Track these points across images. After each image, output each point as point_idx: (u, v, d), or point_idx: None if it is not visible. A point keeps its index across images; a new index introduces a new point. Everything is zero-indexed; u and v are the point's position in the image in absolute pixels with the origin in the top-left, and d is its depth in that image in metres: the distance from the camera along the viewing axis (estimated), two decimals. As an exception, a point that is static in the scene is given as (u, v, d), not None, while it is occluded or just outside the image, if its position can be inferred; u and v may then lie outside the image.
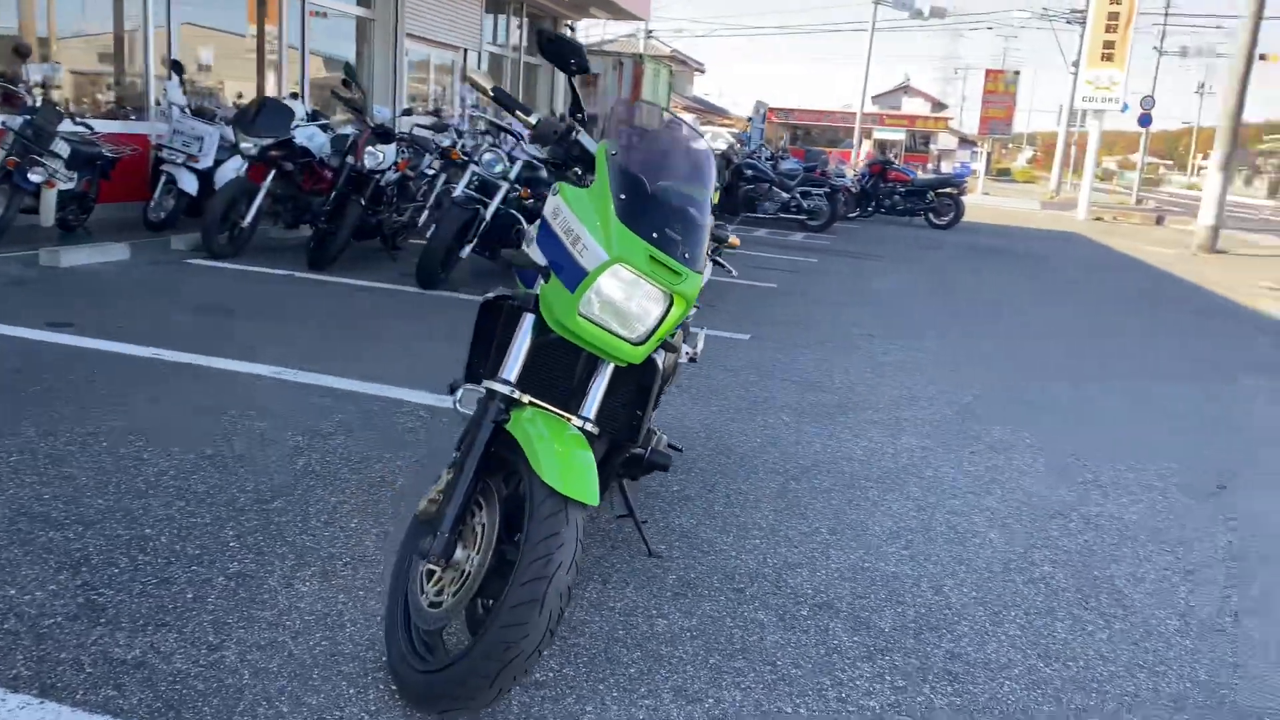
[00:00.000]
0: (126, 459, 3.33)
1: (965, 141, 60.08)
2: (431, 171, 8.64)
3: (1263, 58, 37.04)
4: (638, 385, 2.43)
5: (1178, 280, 12.40)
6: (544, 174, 7.45)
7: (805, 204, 13.99)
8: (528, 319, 2.25)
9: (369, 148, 7.16)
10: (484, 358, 2.51)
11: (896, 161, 18.84)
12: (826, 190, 14.03)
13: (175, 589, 2.51)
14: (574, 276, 2.11)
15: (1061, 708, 2.41)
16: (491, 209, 6.96)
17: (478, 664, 1.94)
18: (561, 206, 2.21)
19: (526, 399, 2.20)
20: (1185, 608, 3.03)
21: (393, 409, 4.12)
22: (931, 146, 48.42)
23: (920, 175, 18.87)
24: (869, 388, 5.37)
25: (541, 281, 2.23)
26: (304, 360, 4.73)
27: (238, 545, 2.79)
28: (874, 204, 17.04)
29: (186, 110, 8.13)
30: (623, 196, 2.13)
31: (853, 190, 16.15)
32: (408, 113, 12.20)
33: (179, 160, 7.90)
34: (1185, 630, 2.88)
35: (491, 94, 2.36)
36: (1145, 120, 31.46)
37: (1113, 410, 5.42)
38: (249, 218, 7.31)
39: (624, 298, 2.13)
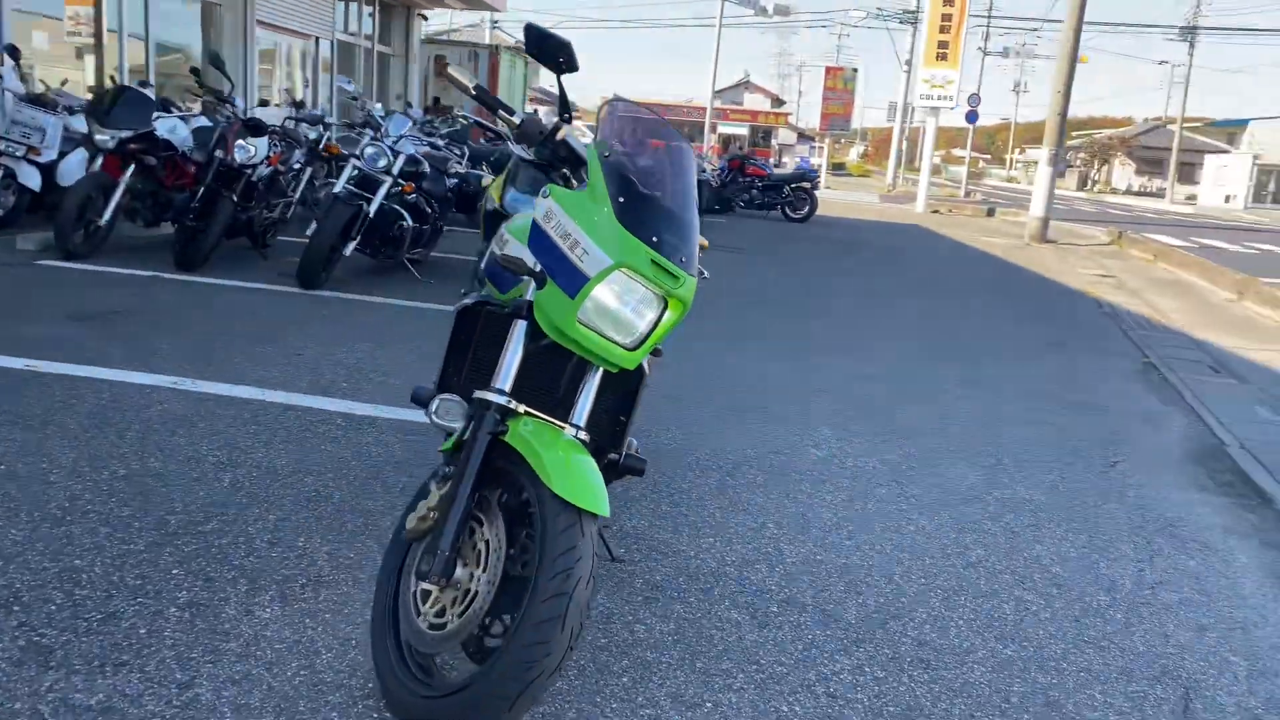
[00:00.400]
0: (32, 482, 3.06)
1: (804, 136, 62.09)
2: (298, 166, 8.29)
3: (1083, 60, 39.69)
4: (624, 390, 2.39)
5: (1021, 270, 13.13)
6: (426, 168, 7.26)
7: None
8: (519, 326, 2.18)
9: (240, 141, 6.80)
10: (459, 367, 2.42)
11: (755, 157, 19.25)
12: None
13: (125, 624, 2.32)
14: (574, 282, 2.06)
15: (1030, 687, 2.52)
16: (375, 205, 6.73)
17: (497, 686, 1.87)
18: (555, 210, 2.15)
19: (522, 409, 2.13)
20: (1109, 583, 3.22)
21: (306, 418, 3.93)
22: (773, 141, 49.82)
23: (775, 170, 19.35)
24: (779, 381, 5.47)
25: (534, 287, 2.17)
26: (200, 369, 4.45)
27: (181, 572, 2.60)
28: (733, 199, 17.37)
29: (23, 99, 7.52)
30: (621, 200, 2.09)
31: (714, 185, 16.42)
32: (264, 104, 11.67)
33: (18, 153, 7.30)
34: (1114, 604, 3.06)
35: (474, 92, 2.27)
36: (972, 117, 33.21)
37: (1009, 392, 5.70)
38: (106, 215, 6.81)
39: (623, 303, 2.09)
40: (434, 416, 2.33)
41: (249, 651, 2.27)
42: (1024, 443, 4.74)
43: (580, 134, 2.41)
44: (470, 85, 2.26)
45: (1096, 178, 61.85)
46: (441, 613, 2.07)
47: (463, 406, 2.34)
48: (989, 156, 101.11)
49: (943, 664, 2.59)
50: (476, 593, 2.01)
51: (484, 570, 2.03)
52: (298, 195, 8.38)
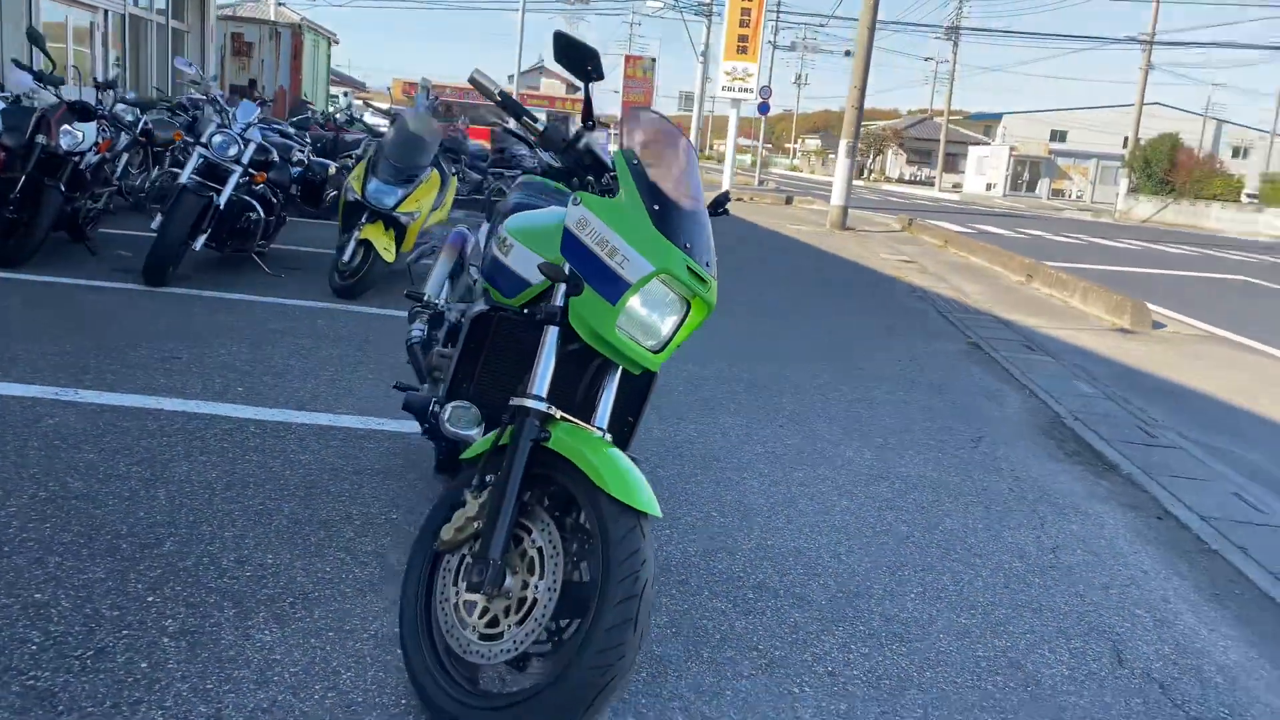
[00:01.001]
0: (-58, 512, 2.77)
1: (600, 124, 62.66)
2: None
3: (847, 54, 41.45)
4: (633, 390, 2.44)
5: (835, 258, 13.84)
6: (276, 157, 6.92)
7: (497, 185, 13.98)
8: (552, 332, 2.19)
9: (66, 126, 6.25)
10: (470, 374, 2.39)
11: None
12: (519, 172, 14.09)
13: (121, 659, 2.17)
14: (615, 288, 2.09)
15: (991, 650, 2.77)
16: (225, 196, 6.35)
17: (572, 692, 1.89)
18: (590, 217, 2.17)
19: (559, 414, 2.15)
20: (1018, 550, 3.54)
21: (216, 427, 3.72)
22: (571, 127, 49.96)
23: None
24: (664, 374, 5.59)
25: (562, 291, 2.17)
26: (77, 377, 4.11)
27: (157, 599, 2.44)
28: (552, 185, 17.34)
29: None
30: (657, 208, 2.13)
31: (538, 174, 16.35)
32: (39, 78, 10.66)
33: None
34: (1030, 569, 3.38)
35: (499, 98, 2.24)
36: (764, 108, 34.52)
37: (868, 375, 6.06)
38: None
39: (651, 308, 2.14)
40: (448, 425, 2.31)
41: (266, 678, 2.18)
42: (898, 423, 5.08)
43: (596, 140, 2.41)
44: (496, 92, 2.23)
45: (872, 167, 65.70)
46: (494, 622, 2.06)
47: (476, 414, 2.33)
48: (770, 145, 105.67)
49: (913, 636, 2.79)
50: (535, 600, 2.02)
51: (540, 577, 2.03)
52: (119, 185, 7.79)
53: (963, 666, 2.66)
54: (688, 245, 2.14)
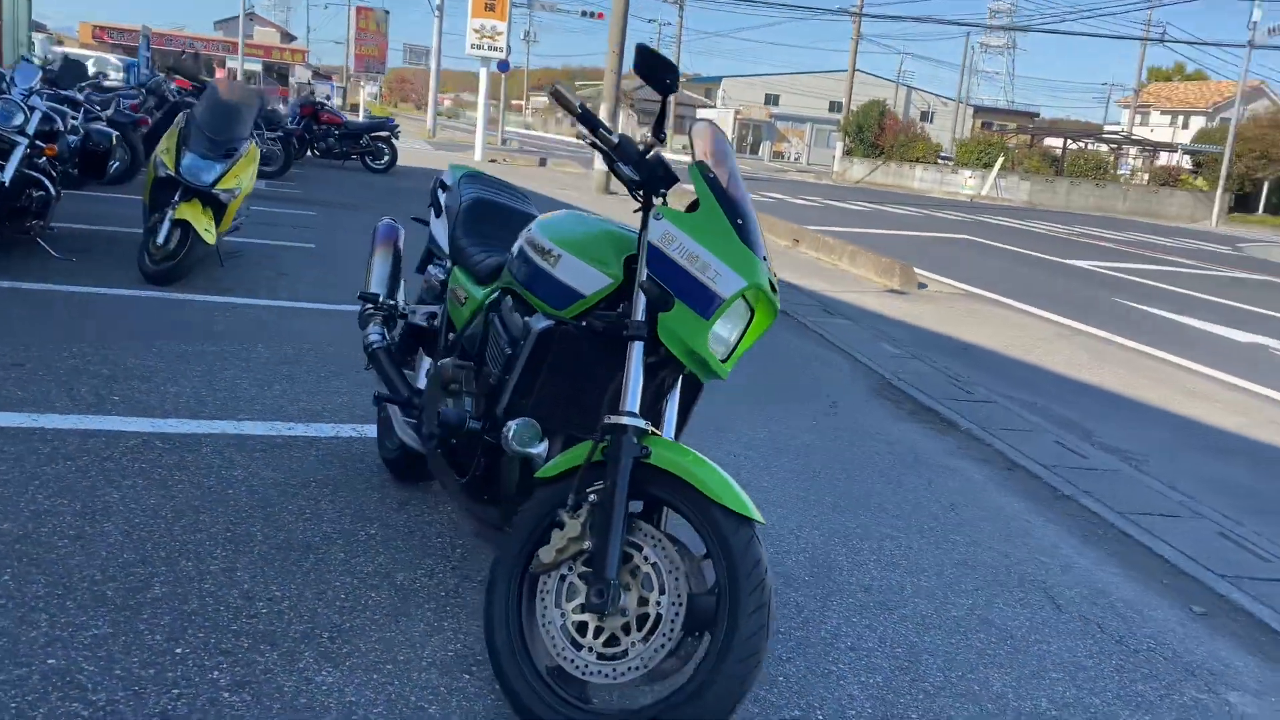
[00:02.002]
0: None
1: (319, 75, 59.40)
2: None
3: (584, 14, 42.07)
4: (682, 401, 2.46)
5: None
6: (62, 126, 6.16)
7: (263, 149, 13.07)
8: (637, 348, 2.18)
9: None
10: (529, 389, 2.34)
11: (327, 104, 18.21)
12: (280, 134, 13.23)
13: (191, 722, 1.99)
14: (707, 303, 2.12)
15: (961, 609, 3.07)
16: (10, 172, 5.60)
17: (716, 701, 1.95)
18: (676, 232, 2.17)
19: (651, 429, 2.16)
20: (924, 511, 3.90)
21: (118, 445, 3.36)
22: (291, 79, 47.14)
23: (350, 118, 18.55)
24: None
25: (642, 305, 2.17)
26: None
27: (186, 650, 2.23)
28: (310, 148, 16.43)
29: None
30: (739, 221, 2.17)
31: (302, 134, 15.42)
32: None
33: None
34: (943, 527, 3.74)
35: (579, 112, 2.18)
36: (504, 66, 34.23)
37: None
38: None
39: (729, 318, 2.19)
40: (513, 443, 2.27)
41: (355, 721, 2.07)
42: (760, 390, 5.36)
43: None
44: (576, 105, 2.18)
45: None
46: (612, 641, 2.06)
47: (537, 429, 2.29)
48: (496, 101, 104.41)
49: (894, 603, 3.04)
50: (660, 615, 2.04)
51: (663, 592, 2.06)
52: None
53: (950, 628, 2.93)
54: (764, 256, 2.20)
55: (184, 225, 5.93)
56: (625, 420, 2.12)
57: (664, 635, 2.04)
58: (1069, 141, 39.71)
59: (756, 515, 2.06)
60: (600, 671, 2.06)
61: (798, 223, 15.15)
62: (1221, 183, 32.86)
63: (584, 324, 2.30)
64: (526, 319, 2.40)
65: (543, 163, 26.55)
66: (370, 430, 3.84)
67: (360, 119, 19.11)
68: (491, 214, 3.16)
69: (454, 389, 2.59)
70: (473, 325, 2.78)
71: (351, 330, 5.45)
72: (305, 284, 6.64)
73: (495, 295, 2.69)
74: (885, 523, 3.69)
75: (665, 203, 2.29)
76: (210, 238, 5.98)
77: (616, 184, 20.83)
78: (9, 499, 2.85)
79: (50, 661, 2.12)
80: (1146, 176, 38.04)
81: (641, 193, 2.28)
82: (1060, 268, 14.08)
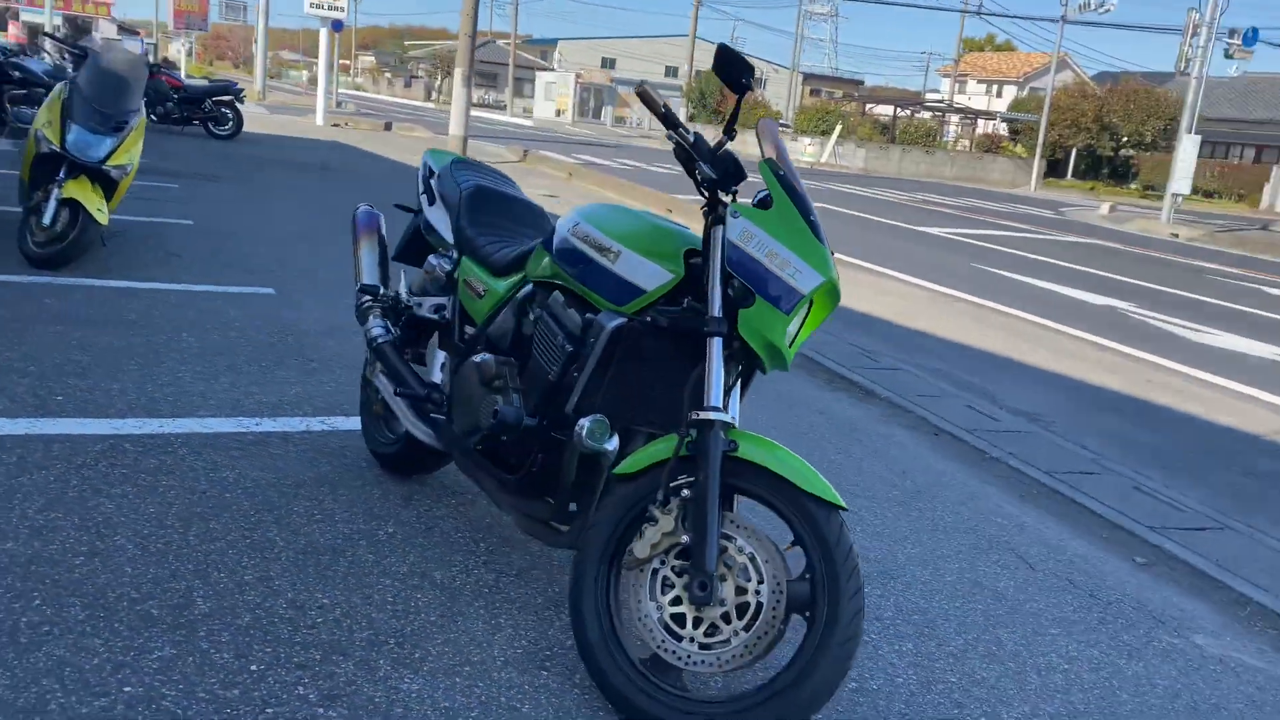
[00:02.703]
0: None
1: (125, 29, 55.53)
2: None
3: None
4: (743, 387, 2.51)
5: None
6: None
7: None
8: (717, 343, 2.22)
9: None
10: (598, 387, 2.34)
11: (171, 65, 17.02)
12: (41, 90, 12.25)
13: (299, 743, 1.93)
14: (787, 298, 2.19)
15: (955, 575, 3.27)
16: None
17: (823, 683, 2.04)
18: (755, 229, 2.22)
19: (737, 423, 2.21)
20: (875, 479, 4.11)
21: (86, 450, 3.15)
22: (95, 35, 43.96)
23: (191, 81, 17.45)
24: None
25: (717, 304, 2.21)
26: None
27: (261, 666, 2.16)
28: (147, 113, 15.37)
29: None
30: (812, 218, 2.24)
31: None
32: None
33: None
34: (901, 497, 3.95)
35: (662, 111, 2.18)
36: (338, 25, 32.94)
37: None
38: None
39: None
40: (587, 440, 2.28)
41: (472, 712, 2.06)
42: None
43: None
44: (661, 106, 2.18)
45: (440, 89, 65.12)
46: (712, 630, 2.12)
47: (608, 426, 2.31)
48: (314, 60, 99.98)
49: (895, 573, 3.21)
50: (760, 604, 2.11)
51: (762, 582, 2.12)
52: None
53: (950, 593, 3.13)
54: (832, 251, 2.28)
55: (73, 205, 5.52)
56: (712, 415, 2.17)
57: (767, 623, 2.11)
58: (898, 110, 41.49)
59: (842, 502, 2.15)
60: (704, 661, 2.12)
61: (665, 192, 15.34)
62: (1039, 150, 35.13)
63: (650, 320, 2.32)
64: (590, 316, 2.40)
65: (388, 127, 25.76)
66: (341, 423, 3.73)
67: (206, 83, 17.99)
68: (493, 203, 3.11)
69: (498, 385, 2.57)
70: (499, 318, 2.75)
71: (276, 315, 5.25)
72: (201, 264, 6.30)
73: (527, 289, 2.67)
74: (855, 495, 3.86)
75: (736, 199, 2.33)
76: (103, 218, 5.59)
77: (475, 150, 20.46)
78: (-2, 515, 2.65)
79: (127, 689, 2.01)
80: (970, 144, 40.22)
81: (712, 190, 2.31)
82: (918, 235, 14.81)
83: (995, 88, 64.02)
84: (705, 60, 45.48)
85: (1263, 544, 4.02)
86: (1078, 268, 12.76)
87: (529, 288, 2.68)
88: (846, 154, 36.07)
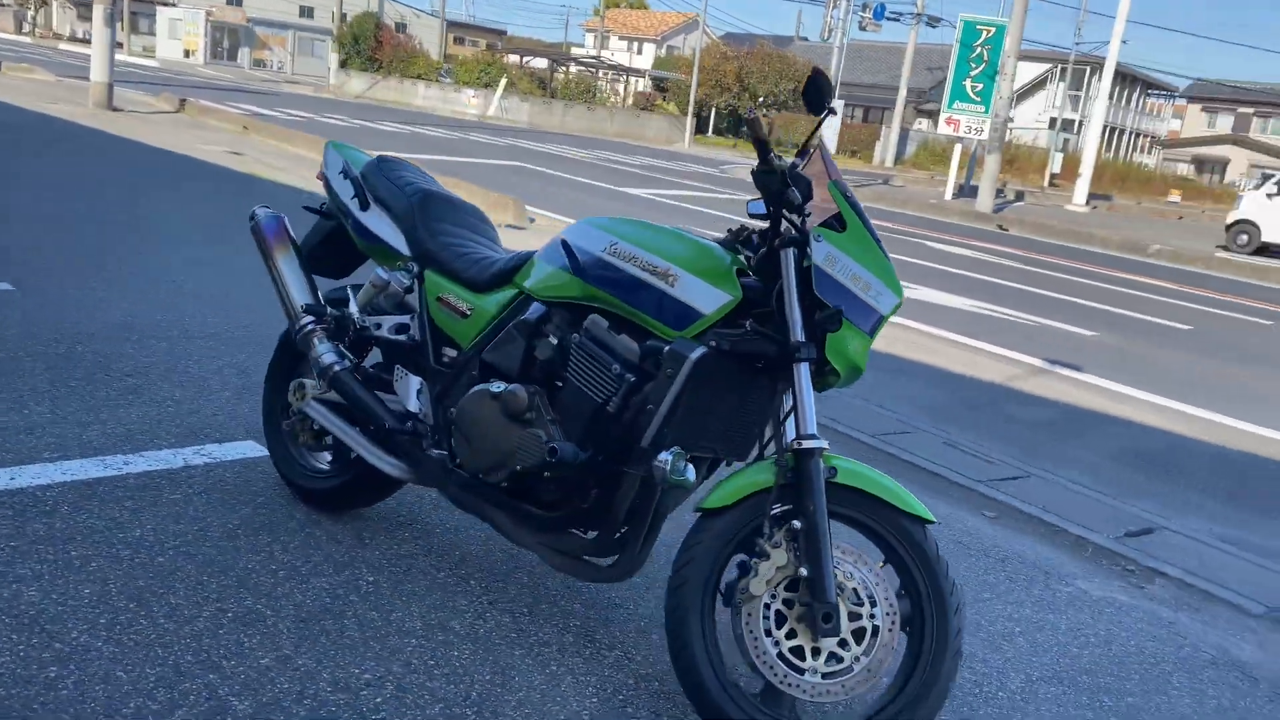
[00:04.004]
0: None
1: None
2: None
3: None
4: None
5: (149, 148, 12.17)
6: None
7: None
8: (804, 369, 2.20)
9: None
10: (671, 419, 2.22)
11: None
12: None
13: None
14: (867, 320, 2.21)
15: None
16: None
17: (936, 698, 2.13)
18: (837, 254, 2.20)
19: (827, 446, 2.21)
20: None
21: (37, 503, 2.54)
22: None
23: None
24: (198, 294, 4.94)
25: (798, 332, 2.19)
26: None
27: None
28: None
29: None
30: (876, 236, 2.27)
31: None
32: None
33: None
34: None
35: (764, 138, 2.07)
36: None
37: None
38: None
39: None
40: (671, 475, 2.20)
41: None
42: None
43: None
44: (765, 134, 2.09)
45: (35, 20, 56.83)
46: (833, 659, 2.13)
47: (686, 458, 2.24)
48: None
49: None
50: (876, 626, 2.15)
51: (875, 604, 2.16)
52: None
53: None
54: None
55: None
56: (810, 444, 2.16)
57: (885, 645, 2.15)
58: (554, 65, 42.02)
59: (932, 516, 2.23)
60: (828, 690, 2.14)
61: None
62: (690, 108, 37.11)
63: (727, 346, 2.24)
64: (654, 343, 2.28)
65: None
66: (217, 451, 3.28)
67: None
68: (447, 209, 2.86)
69: (530, 418, 2.38)
70: (499, 340, 2.52)
71: (43, 316, 4.40)
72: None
73: (538, 310, 2.47)
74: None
75: (804, 220, 2.29)
76: None
77: (121, 99, 18.09)
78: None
79: None
80: (629, 100, 41.66)
81: (786, 212, 2.26)
82: (627, 198, 15.20)
83: (636, 45, 66.59)
84: (352, 3, 43.34)
85: (1063, 487, 4.65)
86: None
87: (538, 308, 2.49)
88: (512, 108, 36.04)
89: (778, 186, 2.20)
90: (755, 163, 2.25)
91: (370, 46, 39.20)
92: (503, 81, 36.28)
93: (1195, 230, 24.15)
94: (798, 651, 2.15)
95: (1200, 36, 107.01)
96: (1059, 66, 49.30)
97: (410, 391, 2.67)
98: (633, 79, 45.73)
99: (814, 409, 2.21)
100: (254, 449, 3.34)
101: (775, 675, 2.14)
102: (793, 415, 2.23)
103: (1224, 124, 59.54)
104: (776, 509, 2.19)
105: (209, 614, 2.32)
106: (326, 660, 2.22)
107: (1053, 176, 36.19)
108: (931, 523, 2.22)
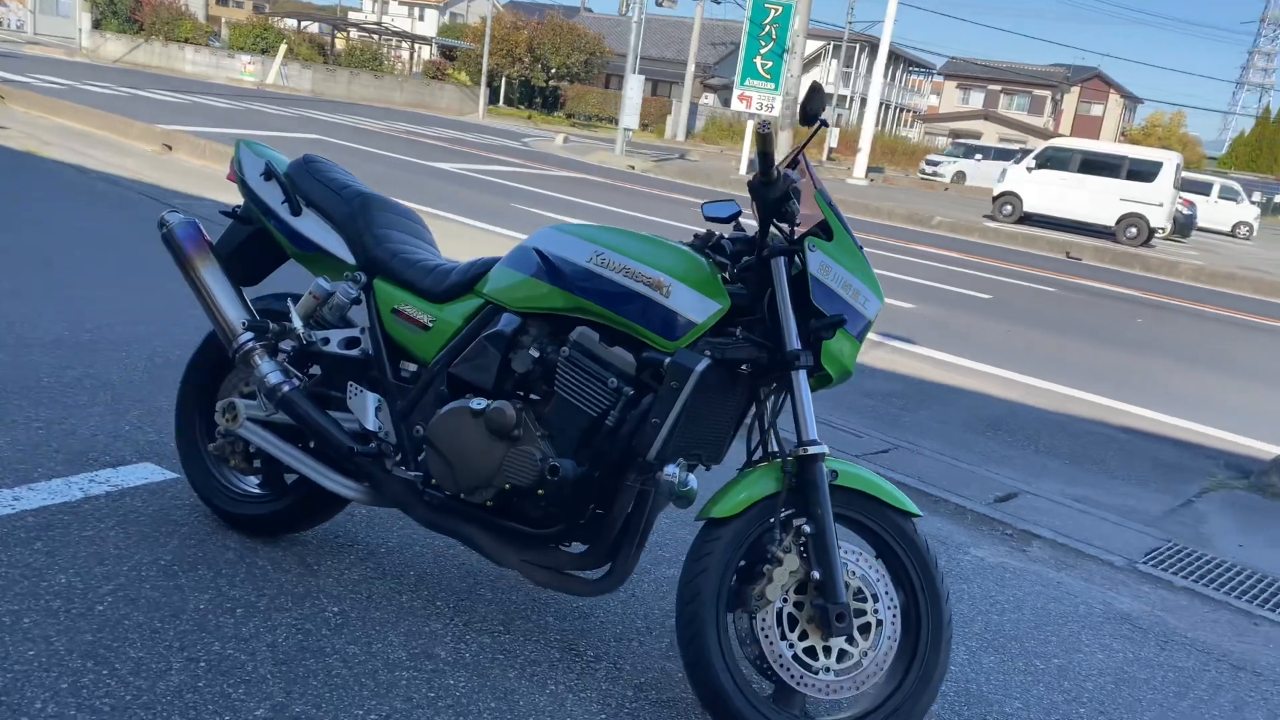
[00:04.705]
0: None
1: None
2: None
3: None
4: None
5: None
6: None
7: None
8: (802, 376, 2.24)
9: None
10: (674, 429, 2.21)
11: None
12: None
13: None
14: (857, 325, 2.28)
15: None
16: None
17: (936, 686, 2.24)
18: (830, 263, 2.24)
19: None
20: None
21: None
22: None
23: None
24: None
25: (792, 337, 2.23)
26: None
27: None
28: None
29: None
30: (861, 246, 2.33)
31: None
32: None
33: None
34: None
35: (773, 150, 2.05)
36: None
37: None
38: None
39: None
40: (678, 486, 2.21)
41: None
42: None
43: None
44: (773, 148, 2.07)
45: None
46: (843, 655, 2.20)
47: (687, 468, 2.26)
48: None
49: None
50: (880, 620, 2.23)
51: (878, 600, 2.24)
52: None
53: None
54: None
55: None
56: (813, 450, 2.22)
57: (889, 638, 2.24)
58: (335, 30, 40.16)
59: (918, 510, 2.33)
60: (842, 686, 2.20)
61: (118, 114, 13.51)
62: (483, 78, 36.43)
63: (722, 355, 2.25)
64: (651, 355, 2.26)
65: None
66: (115, 477, 3.00)
67: None
68: (388, 214, 2.70)
69: (517, 434, 2.30)
70: (469, 354, 2.42)
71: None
72: None
73: (512, 321, 2.39)
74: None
75: (794, 230, 2.31)
76: None
77: None
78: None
79: None
80: (418, 69, 40.38)
81: (776, 222, 2.28)
82: (440, 173, 14.77)
83: (418, 11, 64.66)
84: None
85: (930, 457, 4.95)
86: (606, 207, 13.72)
87: (511, 319, 2.40)
88: (293, 75, 34.19)
89: (777, 197, 2.22)
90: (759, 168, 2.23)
91: (129, 6, 36.11)
92: (282, 48, 34.33)
93: (961, 202, 26.07)
94: (810, 651, 2.21)
95: (954, 18, 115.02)
96: (832, 44, 51.84)
97: (368, 409, 2.52)
98: (419, 46, 44.36)
99: (813, 414, 2.26)
100: (156, 471, 3.07)
101: (792, 677, 2.19)
102: (794, 421, 2.26)
103: (976, 100, 64.42)
104: (782, 514, 2.23)
105: (179, 665, 2.13)
106: (325, 704, 2.09)
107: (830, 151, 38.11)
108: (918, 516, 2.33)
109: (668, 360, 2.23)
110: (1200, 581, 3.82)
